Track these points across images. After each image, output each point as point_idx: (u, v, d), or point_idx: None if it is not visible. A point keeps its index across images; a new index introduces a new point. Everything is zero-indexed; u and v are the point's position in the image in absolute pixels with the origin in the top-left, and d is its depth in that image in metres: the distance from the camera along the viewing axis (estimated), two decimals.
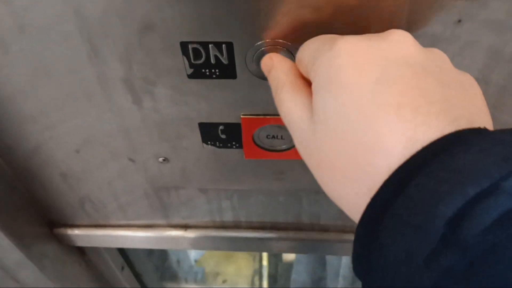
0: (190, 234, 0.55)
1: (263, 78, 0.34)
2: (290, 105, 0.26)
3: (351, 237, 0.53)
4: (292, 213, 0.52)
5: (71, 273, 0.63)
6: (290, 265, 1.83)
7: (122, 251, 0.73)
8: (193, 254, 1.52)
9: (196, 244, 0.56)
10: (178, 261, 1.25)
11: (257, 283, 1.99)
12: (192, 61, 0.34)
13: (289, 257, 1.92)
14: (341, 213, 0.51)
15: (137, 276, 0.81)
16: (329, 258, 1.93)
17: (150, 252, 0.91)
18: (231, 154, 0.44)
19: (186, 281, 1.35)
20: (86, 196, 0.51)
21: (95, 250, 0.66)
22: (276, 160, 0.44)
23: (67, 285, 0.62)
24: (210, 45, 0.32)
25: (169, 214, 0.53)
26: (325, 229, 0.53)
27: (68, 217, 0.55)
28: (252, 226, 0.54)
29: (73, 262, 0.63)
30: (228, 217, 0.53)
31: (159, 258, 1.06)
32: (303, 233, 0.54)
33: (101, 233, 0.56)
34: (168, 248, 0.58)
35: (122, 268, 0.73)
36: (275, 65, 0.29)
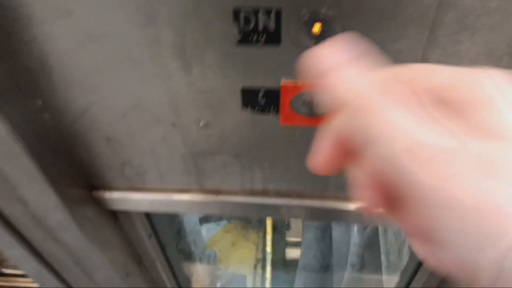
0: (222, 199, 0.58)
1: (305, 46, 0.38)
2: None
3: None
4: (320, 182, 0.55)
5: (106, 237, 0.67)
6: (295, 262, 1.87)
7: (150, 221, 0.77)
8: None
9: (227, 209, 0.59)
10: (194, 241, 1.30)
11: (259, 271, 2.04)
12: (242, 27, 0.37)
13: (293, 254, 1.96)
14: None
15: (161, 246, 0.85)
16: (337, 246, 1.97)
17: (171, 225, 0.95)
18: (268, 121, 0.47)
19: (200, 261, 1.40)
20: (127, 160, 0.55)
21: (127, 216, 0.69)
22: (310, 129, 0.47)
23: (104, 249, 0.65)
24: (259, 12, 0.36)
25: (203, 179, 0.57)
26: (349, 198, 0.57)
27: (107, 181, 0.59)
28: (280, 193, 0.58)
29: (108, 226, 0.67)
30: (258, 183, 0.57)
31: (178, 234, 1.10)
32: (328, 202, 0.57)
33: (138, 197, 0.59)
34: (199, 213, 0.61)
35: (150, 236, 0.76)
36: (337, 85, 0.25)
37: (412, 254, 0.94)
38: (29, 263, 0.67)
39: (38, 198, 0.53)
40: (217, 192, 0.58)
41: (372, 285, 1.46)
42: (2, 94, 0.43)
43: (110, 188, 0.60)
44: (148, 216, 0.75)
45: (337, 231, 2.00)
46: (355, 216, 0.59)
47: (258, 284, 2.05)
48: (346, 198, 0.57)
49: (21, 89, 0.45)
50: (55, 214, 0.56)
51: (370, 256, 1.60)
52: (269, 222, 3.96)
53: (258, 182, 0.57)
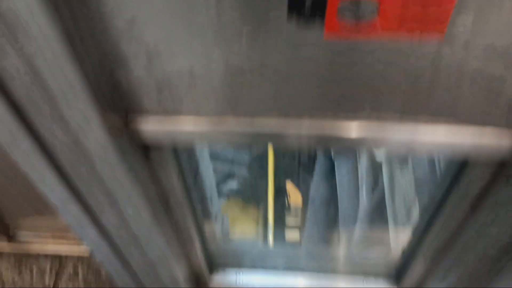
0: (256, 126, 0.59)
1: None
2: None
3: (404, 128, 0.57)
4: (355, 106, 0.56)
5: (138, 172, 0.68)
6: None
7: (179, 163, 0.77)
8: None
9: (260, 136, 0.60)
10: (211, 198, 1.31)
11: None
12: None
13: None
14: (402, 108, 0.55)
15: (187, 190, 0.86)
16: (342, 206, 2.00)
17: (195, 175, 0.97)
18: (312, 35, 0.47)
19: (216, 219, 1.42)
20: (166, 82, 0.55)
21: (158, 152, 0.70)
22: (353, 46, 0.48)
23: (136, 182, 0.66)
24: None
25: (239, 104, 0.57)
26: (383, 120, 0.58)
27: (143, 109, 0.59)
28: (314, 118, 0.58)
29: (140, 161, 0.68)
30: (293, 109, 0.57)
31: (197, 186, 1.11)
32: (364, 128, 0.58)
33: (173, 126, 0.60)
34: (234, 143, 0.62)
35: (178, 176, 0.78)
36: None
37: (423, 213, 0.96)
38: (60, 192, 0.68)
39: (80, 118, 0.54)
40: (252, 118, 0.59)
41: (379, 243, 1.49)
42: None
43: (146, 117, 0.60)
44: (177, 157, 0.76)
45: (343, 195, 2.03)
46: (387, 140, 0.60)
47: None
48: (382, 119, 0.58)
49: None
50: (94, 137, 0.56)
51: (377, 218, 1.63)
52: (270, 201, 4.01)
53: (293, 106, 0.57)
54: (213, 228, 1.34)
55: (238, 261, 1.32)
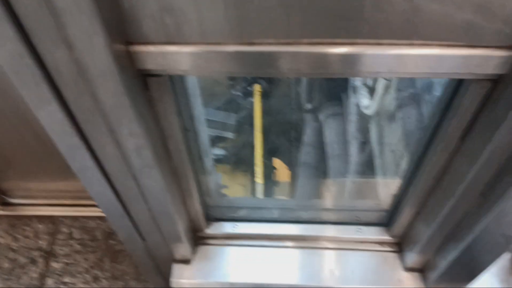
0: (256, 49, 0.60)
1: None
2: None
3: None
4: (354, 28, 0.57)
5: (139, 104, 0.68)
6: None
7: (177, 103, 0.78)
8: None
9: (259, 62, 0.61)
10: (206, 152, 1.33)
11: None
12: None
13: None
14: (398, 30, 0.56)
15: (185, 133, 0.88)
16: (332, 165, 2.04)
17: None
18: None
19: (210, 174, 1.43)
20: (168, 4, 0.55)
21: (158, 86, 0.71)
22: None
23: (137, 114, 0.67)
24: None
25: (240, 28, 0.58)
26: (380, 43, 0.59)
27: (145, 34, 0.59)
28: (313, 43, 0.60)
29: (141, 92, 0.69)
30: (293, 35, 0.58)
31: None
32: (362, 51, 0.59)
33: (174, 49, 0.61)
34: (234, 72, 0.63)
35: (175, 116, 0.79)
36: None
37: (413, 154, 0.99)
38: (61, 124, 0.67)
39: (85, 41, 0.54)
40: (252, 41, 0.60)
41: (369, 194, 1.55)
42: None
43: (149, 42, 0.61)
44: (175, 93, 0.77)
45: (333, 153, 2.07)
46: (385, 63, 0.61)
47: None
48: (380, 42, 0.59)
49: None
50: (99, 62, 0.57)
51: (367, 172, 1.67)
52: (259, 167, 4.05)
53: (294, 32, 0.58)
54: (208, 183, 1.36)
55: (233, 214, 1.36)
